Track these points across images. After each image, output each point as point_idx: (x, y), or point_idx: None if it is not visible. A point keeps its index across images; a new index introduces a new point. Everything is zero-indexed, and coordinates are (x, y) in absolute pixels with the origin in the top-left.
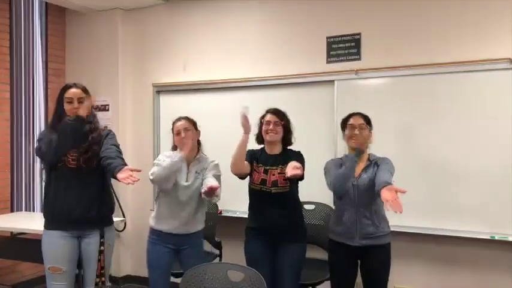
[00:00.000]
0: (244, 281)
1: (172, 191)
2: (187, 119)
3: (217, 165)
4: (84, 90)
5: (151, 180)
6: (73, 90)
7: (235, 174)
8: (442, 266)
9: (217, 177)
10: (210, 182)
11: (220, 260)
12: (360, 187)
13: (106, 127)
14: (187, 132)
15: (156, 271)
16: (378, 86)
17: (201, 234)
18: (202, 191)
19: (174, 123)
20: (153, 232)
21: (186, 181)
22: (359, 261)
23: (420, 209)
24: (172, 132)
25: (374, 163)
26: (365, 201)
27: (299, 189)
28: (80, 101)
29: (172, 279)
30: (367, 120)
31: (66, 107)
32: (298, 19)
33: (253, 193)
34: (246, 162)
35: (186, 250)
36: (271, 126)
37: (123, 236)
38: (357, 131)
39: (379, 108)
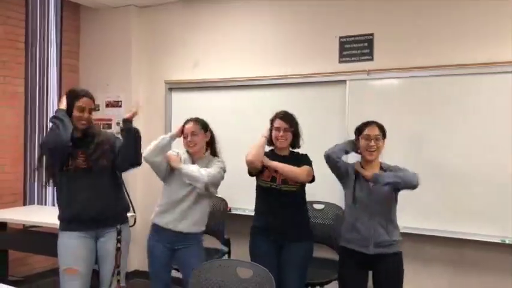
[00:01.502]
0: (253, 278)
1: (174, 185)
2: (196, 121)
3: (220, 161)
4: (94, 101)
5: (144, 158)
6: (86, 99)
7: (251, 164)
8: (452, 269)
9: (217, 167)
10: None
11: (229, 257)
12: (375, 195)
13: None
14: (194, 137)
15: (155, 265)
16: (389, 87)
17: (200, 238)
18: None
19: (183, 125)
20: (152, 227)
21: None
22: (370, 271)
23: (431, 211)
24: (182, 133)
25: (388, 171)
26: (381, 209)
27: (308, 189)
28: (90, 112)
29: (174, 273)
30: (382, 131)
31: (76, 114)
32: (310, 19)
33: (262, 190)
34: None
35: (182, 250)
36: (281, 133)
37: (132, 231)
38: (372, 143)
39: (390, 109)
